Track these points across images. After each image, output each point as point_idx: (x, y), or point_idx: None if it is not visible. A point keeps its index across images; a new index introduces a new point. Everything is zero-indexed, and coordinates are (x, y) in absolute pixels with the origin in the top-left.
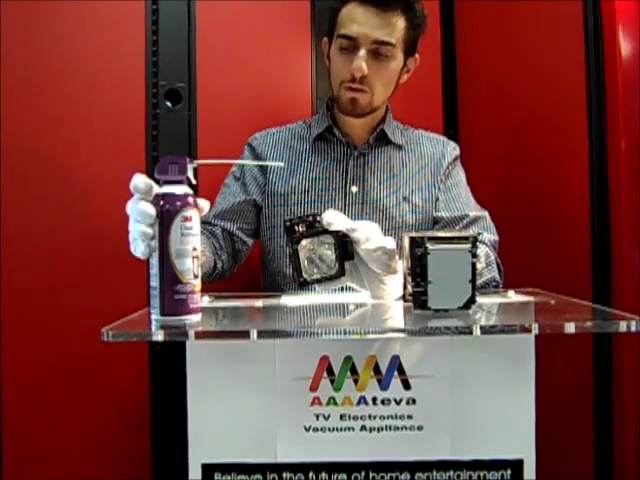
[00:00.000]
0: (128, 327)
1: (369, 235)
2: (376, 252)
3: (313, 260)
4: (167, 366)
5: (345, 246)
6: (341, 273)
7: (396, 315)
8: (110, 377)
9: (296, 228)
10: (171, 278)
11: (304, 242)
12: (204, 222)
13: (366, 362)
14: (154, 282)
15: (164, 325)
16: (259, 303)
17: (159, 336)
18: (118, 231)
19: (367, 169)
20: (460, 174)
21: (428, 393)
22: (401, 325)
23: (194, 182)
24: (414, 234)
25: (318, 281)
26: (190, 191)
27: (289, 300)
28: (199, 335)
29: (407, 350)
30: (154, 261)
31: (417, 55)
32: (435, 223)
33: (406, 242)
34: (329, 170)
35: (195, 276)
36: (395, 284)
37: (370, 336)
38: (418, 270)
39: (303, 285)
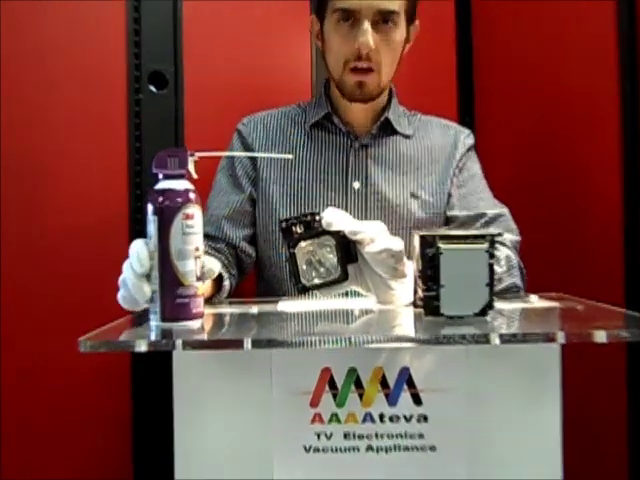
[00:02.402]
0: (108, 336)
1: (374, 236)
2: (382, 255)
3: (312, 264)
4: (151, 378)
5: (347, 248)
6: (344, 277)
7: (405, 322)
8: (88, 391)
9: (293, 229)
10: (172, 281)
11: (302, 244)
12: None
13: (372, 375)
14: (154, 287)
15: (164, 329)
16: (254, 309)
17: (142, 346)
18: (96, 227)
19: (370, 162)
20: (475, 166)
21: (441, 409)
22: (411, 333)
23: (195, 176)
24: (425, 232)
25: (318, 287)
26: (191, 186)
27: (287, 306)
28: (187, 345)
29: (418, 361)
30: (154, 264)
31: (417, 21)
32: (448, 223)
33: (416, 241)
34: (328, 163)
35: (198, 278)
36: (404, 288)
37: (376, 345)
38: (429, 272)
39: (302, 291)
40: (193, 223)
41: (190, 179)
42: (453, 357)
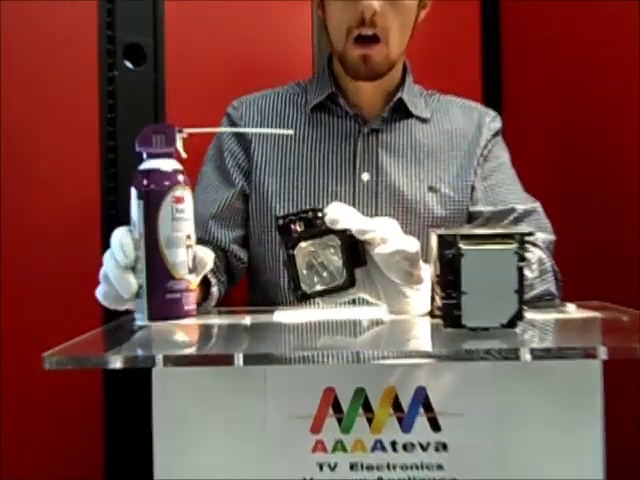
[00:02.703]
0: (77, 351)
1: (385, 235)
2: (394, 257)
3: (314, 267)
4: (127, 398)
5: (355, 249)
6: (350, 283)
7: (421, 335)
8: (55, 409)
9: (292, 227)
10: (161, 273)
11: (302, 245)
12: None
13: (383, 396)
14: (140, 280)
15: (142, 340)
16: (246, 320)
17: (117, 363)
18: (64, 216)
19: (382, 150)
20: (503, 154)
21: (463, 436)
22: (428, 348)
23: (184, 155)
24: (444, 231)
25: (321, 294)
26: (179, 166)
27: (284, 317)
28: (169, 361)
29: (436, 380)
30: (139, 254)
31: None
32: (471, 220)
33: (434, 242)
34: (332, 152)
35: (189, 271)
36: (420, 296)
37: (388, 362)
38: (449, 277)
39: (302, 299)
40: (183, 207)
41: (179, 158)
42: (477, 375)
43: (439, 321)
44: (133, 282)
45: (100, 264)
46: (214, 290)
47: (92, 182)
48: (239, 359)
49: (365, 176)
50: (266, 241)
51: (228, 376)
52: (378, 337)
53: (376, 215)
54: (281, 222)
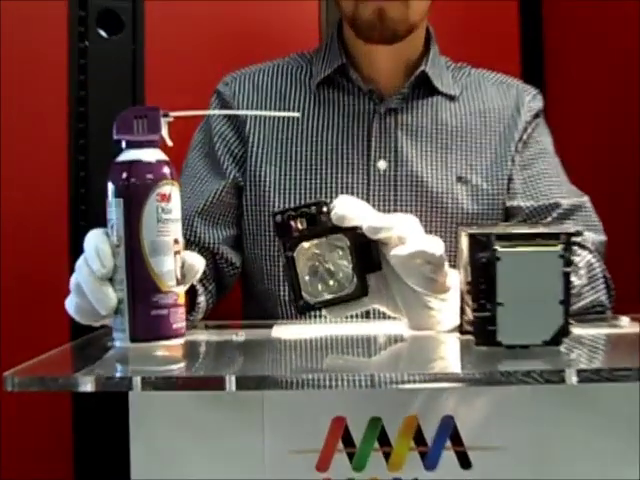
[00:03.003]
0: (42, 370)
1: (404, 234)
2: (414, 260)
3: (319, 273)
4: (100, 427)
5: (367, 251)
6: (361, 292)
7: (448, 354)
8: (16, 439)
9: (292, 225)
10: (145, 285)
11: (305, 245)
12: None
13: (403, 426)
14: (120, 294)
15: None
16: (239, 336)
17: (88, 385)
18: (26, 215)
19: (401, 133)
20: (545, 139)
21: (497, 473)
22: (456, 369)
23: (170, 144)
24: (476, 230)
25: (327, 304)
26: (165, 157)
27: (284, 332)
28: (148, 384)
29: (466, 408)
30: (119, 262)
31: None
32: (509, 217)
33: (464, 242)
34: (342, 135)
35: (178, 282)
36: (446, 307)
37: (409, 386)
38: (482, 285)
39: (304, 311)
40: (170, 207)
41: (164, 148)
42: (514, 402)
43: (470, 338)
44: (112, 296)
45: (68, 268)
46: (201, 300)
47: (58, 172)
48: (231, 382)
49: (381, 164)
50: (263, 242)
51: (218, 402)
52: (397, 357)
53: (394, 211)
54: (279, 218)
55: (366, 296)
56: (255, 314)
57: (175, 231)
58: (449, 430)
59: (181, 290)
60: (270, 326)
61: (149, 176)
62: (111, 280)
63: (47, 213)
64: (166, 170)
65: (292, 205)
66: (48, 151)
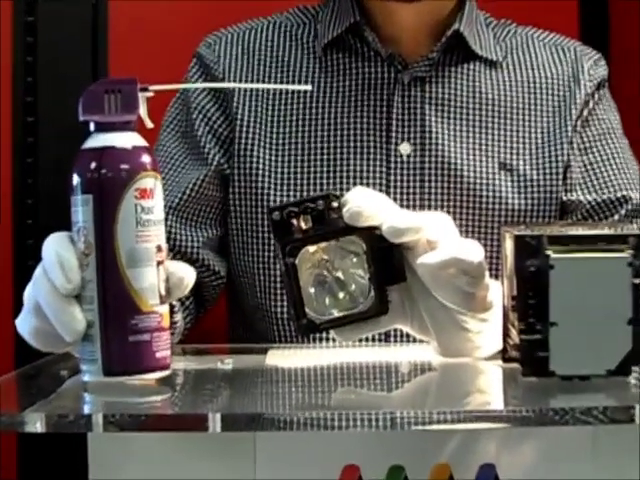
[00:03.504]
0: None
1: (434, 237)
2: (447, 270)
3: (327, 284)
4: (52, 474)
5: (388, 257)
6: (380, 309)
7: (489, 387)
8: None
9: (294, 223)
10: (121, 305)
11: (310, 249)
12: None
13: (432, 477)
14: (90, 315)
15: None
16: (225, 364)
17: (37, 425)
18: None
19: (430, 109)
20: (610, 115)
21: None
22: (499, 406)
23: (149, 125)
24: (523, 231)
25: (337, 324)
26: (144, 142)
27: (281, 358)
28: (112, 423)
29: (510, 454)
30: (88, 275)
31: None
32: (565, 214)
33: (508, 246)
34: (356, 111)
35: (162, 299)
36: (487, 329)
37: (439, 427)
38: (532, 301)
39: (308, 331)
40: (152, 205)
41: (141, 131)
42: (571, 447)
43: (515, 366)
44: (79, 317)
45: (12, 278)
46: (178, 319)
47: (1, 156)
48: (215, 422)
49: (405, 148)
50: (255, 246)
51: (200, 447)
52: (423, 391)
53: (420, 206)
54: (277, 216)
55: (386, 314)
56: (244, 336)
57: (158, 236)
58: None
59: (165, 310)
60: (264, 351)
61: (125, 166)
62: (78, 298)
63: None
64: (146, 159)
65: (293, 199)
66: None
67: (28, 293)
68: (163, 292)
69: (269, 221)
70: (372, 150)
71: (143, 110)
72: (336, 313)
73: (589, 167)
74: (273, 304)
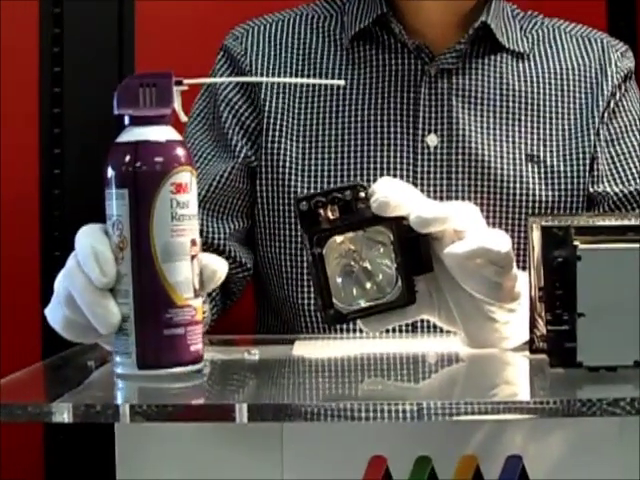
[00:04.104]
0: (8, 396)
1: (461, 227)
2: (474, 260)
3: (354, 275)
4: (78, 465)
5: (416, 248)
6: (408, 299)
7: (516, 378)
8: None
9: (321, 213)
10: (156, 299)
11: (337, 240)
12: None
13: (459, 468)
14: (125, 309)
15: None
16: (252, 355)
17: (64, 415)
18: None
19: (457, 101)
20: (637, 108)
21: None
22: (526, 397)
23: (183, 119)
24: (550, 221)
25: (363, 313)
26: (178, 136)
27: (308, 349)
28: (139, 414)
29: (537, 446)
30: (123, 269)
31: None
32: (593, 206)
33: (535, 237)
34: (382, 103)
35: (195, 293)
36: (514, 320)
37: (466, 418)
38: (559, 292)
39: (335, 321)
40: (187, 199)
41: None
42: (598, 438)
43: (543, 357)
44: (114, 311)
45: (39, 268)
46: (205, 311)
47: (26, 149)
48: (242, 412)
49: (432, 139)
50: (282, 237)
51: (226, 437)
52: (451, 382)
53: (447, 197)
54: (304, 206)
55: (413, 304)
56: (272, 326)
57: (192, 230)
58: (516, 473)
59: (198, 303)
60: (291, 342)
61: (160, 160)
62: (112, 291)
63: (11, 200)
64: (181, 152)
65: (320, 190)
66: (12, 124)
67: (60, 284)
68: (197, 285)
69: (296, 211)
70: (399, 142)
71: (178, 104)
72: (363, 303)
73: (616, 159)
74: (300, 296)
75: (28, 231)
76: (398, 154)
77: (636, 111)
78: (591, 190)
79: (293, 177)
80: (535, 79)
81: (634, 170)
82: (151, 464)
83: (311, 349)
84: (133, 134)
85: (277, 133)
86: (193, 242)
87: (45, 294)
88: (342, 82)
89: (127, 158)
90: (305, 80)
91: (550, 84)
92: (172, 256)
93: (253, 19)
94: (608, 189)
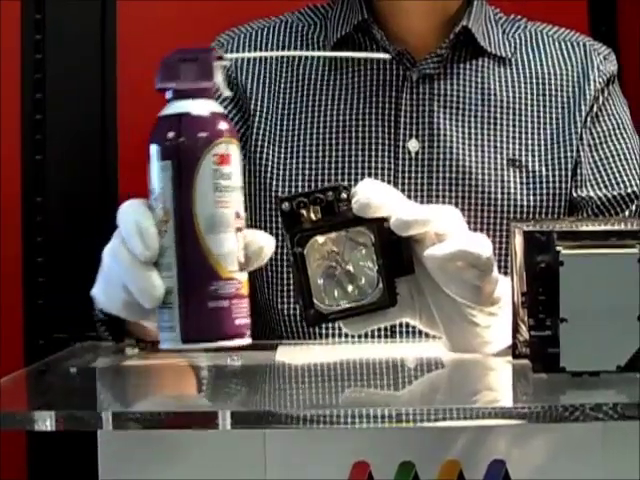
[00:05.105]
0: None
1: (441, 229)
2: (454, 263)
3: (335, 276)
4: (61, 473)
5: (397, 249)
6: (388, 301)
7: (499, 384)
8: None
9: (303, 214)
10: (200, 271)
11: (319, 240)
12: None
13: (441, 473)
14: (168, 282)
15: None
16: (234, 360)
17: (46, 423)
18: None
19: (438, 106)
20: (621, 111)
21: None
22: (508, 402)
23: (227, 93)
24: (532, 226)
25: (344, 315)
26: (221, 109)
27: (290, 355)
28: (121, 421)
29: (520, 451)
30: (166, 242)
31: None
32: (576, 211)
33: (518, 242)
34: (364, 108)
35: (241, 267)
36: (496, 324)
37: (449, 424)
38: (542, 297)
39: (315, 322)
40: (230, 171)
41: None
42: (581, 443)
43: (525, 362)
44: (158, 284)
45: (22, 276)
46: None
47: (10, 153)
48: (225, 419)
49: (413, 145)
50: None
51: (209, 444)
52: (434, 387)
53: (428, 202)
54: (287, 206)
55: (394, 306)
56: (255, 332)
57: (236, 202)
58: (499, 478)
59: (244, 277)
60: (273, 347)
61: (203, 132)
62: (156, 265)
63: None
64: (223, 125)
65: (302, 191)
66: None
67: (105, 263)
68: (242, 259)
69: (278, 211)
70: (380, 147)
71: (220, 77)
72: (344, 304)
73: (599, 163)
74: (280, 300)
75: (10, 237)
76: (379, 160)
77: (619, 115)
78: (574, 195)
79: (274, 182)
80: (517, 84)
81: (617, 174)
82: (133, 469)
83: (294, 355)
84: (176, 107)
85: (260, 138)
86: (237, 214)
87: (28, 300)
88: (387, 56)
89: (170, 130)
90: (349, 54)
91: (532, 89)
92: (216, 228)
93: (238, 26)
94: (591, 194)
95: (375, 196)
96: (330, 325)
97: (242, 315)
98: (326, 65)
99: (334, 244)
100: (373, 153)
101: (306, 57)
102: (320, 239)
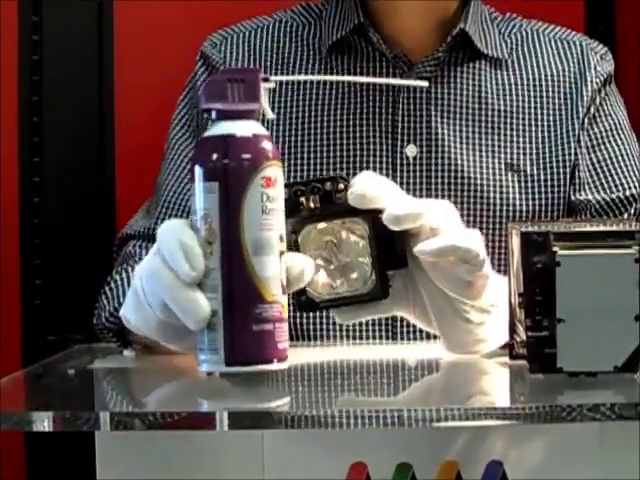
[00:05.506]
0: None
1: (435, 223)
2: (445, 257)
3: (330, 264)
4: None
5: (390, 242)
6: (381, 293)
7: (496, 384)
8: None
9: (302, 202)
10: (246, 294)
11: (314, 228)
12: (139, 236)
13: (439, 474)
14: (213, 304)
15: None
16: None
17: (44, 423)
18: None
19: (436, 110)
20: (618, 111)
21: None
22: (505, 403)
23: (271, 115)
24: (529, 228)
25: (336, 303)
26: (265, 131)
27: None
28: (118, 421)
29: (518, 451)
30: (211, 264)
31: None
32: (574, 214)
33: (515, 243)
34: (361, 112)
35: (283, 290)
36: (490, 322)
37: (447, 425)
38: (538, 298)
39: (306, 308)
40: (275, 194)
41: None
42: (578, 444)
43: (522, 363)
44: (205, 305)
45: (20, 279)
46: None
47: (7, 156)
48: (222, 420)
49: (410, 150)
50: None
51: (206, 445)
52: (432, 388)
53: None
54: (285, 193)
55: (386, 298)
56: None
57: (280, 225)
58: (497, 479)
59: (285, 301)
60: None
61: (251, 155)
62: (200, 286)
63: None
64: (268, 147)
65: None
66: None
67: (141, 285)
68: (284, 282)
69: None
70: (378, 152)
71: (265, 99)
72: (338, 293)
73: (597, 165)
74: None
75: (8, 238)
76: (377, 165)
77: (616, 115)
78: (573, 198)
79: None
80: (514, 87)
81: (615, 177)
82: (130, 470)
83: (292, 355)
84: (223, 128)
85: None
86: (281, 237)
87: (25, 301)
88: (425, 83)
89: (217, 151)
90: (393, 81)
91: (529, 91)
92: (262, 250)
93: (231, 25)
94: (590, 197)
95: (371, 188)
96: (330, 326)
97: (284, 338)
98: (321, 68)
99: (330, 234)
100: (371, 159)
101: (301, 59)
102: (315, 227)
